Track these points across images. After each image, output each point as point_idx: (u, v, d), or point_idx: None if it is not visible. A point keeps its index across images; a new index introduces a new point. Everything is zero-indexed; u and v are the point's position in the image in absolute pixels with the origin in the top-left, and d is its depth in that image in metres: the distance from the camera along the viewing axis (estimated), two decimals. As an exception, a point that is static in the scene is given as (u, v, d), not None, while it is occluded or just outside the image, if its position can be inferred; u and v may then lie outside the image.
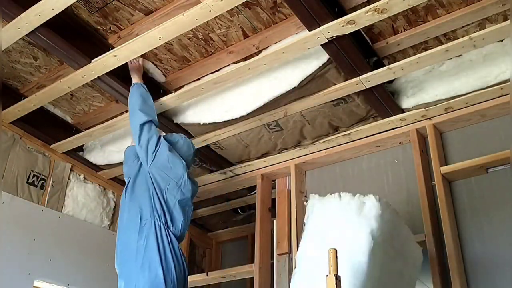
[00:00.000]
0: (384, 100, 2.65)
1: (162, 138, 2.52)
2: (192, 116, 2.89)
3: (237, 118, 2.77)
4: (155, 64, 2.76)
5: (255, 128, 2.97)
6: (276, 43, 2.48)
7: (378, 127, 2.84)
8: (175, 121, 2.95)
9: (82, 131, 3.18)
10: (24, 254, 2.90)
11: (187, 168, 2.51)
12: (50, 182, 3.20)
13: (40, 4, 2.14)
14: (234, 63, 2.64)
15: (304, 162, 3.14)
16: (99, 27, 2.52)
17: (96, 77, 2.58)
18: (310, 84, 2.56)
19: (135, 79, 2.62)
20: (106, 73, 2.56)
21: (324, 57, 2.43)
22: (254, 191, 3.43)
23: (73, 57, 2.48)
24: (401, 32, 2.44)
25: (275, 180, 3.36)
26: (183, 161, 2.49)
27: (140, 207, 2.35)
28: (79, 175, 3.43)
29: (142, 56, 2.60)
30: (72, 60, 2.50)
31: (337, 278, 1.48)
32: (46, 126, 3.14)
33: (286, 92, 2.57)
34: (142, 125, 2.47)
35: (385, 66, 2.45)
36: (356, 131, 2.89)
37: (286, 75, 2.56)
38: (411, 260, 2.04)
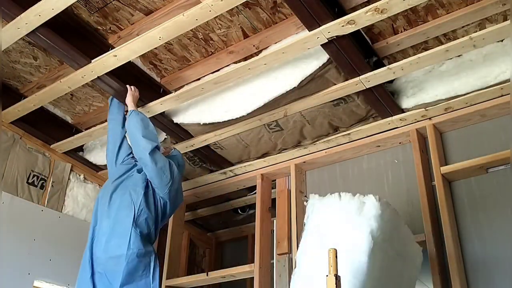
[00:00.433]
0: (384, 100, 2.65)
1: (172, 164, 2.60)
2: (192, 116, 2.89)
3: (237, 118, 2.77)
4: (155, 64, 2.76)
5: (255, 128, 2.97)
6: (276, 43, 2.48)
7: (378, 127, 2.84)
8: (175, 121, 2.95)
9: (82, 131, 3.18)
10: (24, 254, 2.90)
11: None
12: (50, 182, 3.20)
13: (40, 4, 2.14)
14: (234, 63, 2.64)
15: (304, 162, 3.14)
16: (99, 27, 2.52)
17: (96, 77, 2.58)
18: (310, 84, 2.56)
19: (131, 106, 2.63)
20: (106, 73, 2.56)
21: (324, 57, 2.43)
22: (254, 191, 3.43)
23: (73, 57, 2.48)
24: (401, 32, 2.44)
25: (275, 180, 3.36)
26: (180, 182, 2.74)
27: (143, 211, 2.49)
28: (79, 175, 3.43)
29: (142, 56, 2.60)
30: (72, 60, 2.50)
31: (337, 278, 1.48)
32: (46, 126, 3.15)
33: (286, 92, 2.57)
34: (151, 153, 2.49)
35: (385, 66, 2.45)
36: (356, 131, 2.89)
37: (286, 75, 2.56)
38: (411, 260, 2.04)
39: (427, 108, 2.66)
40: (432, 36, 2.42)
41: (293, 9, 2.14)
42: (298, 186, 3.10)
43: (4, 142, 2.98)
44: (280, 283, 2.91)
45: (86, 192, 3.42)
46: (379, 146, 2.93)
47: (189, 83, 2.81)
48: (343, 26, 2.17)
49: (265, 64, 2.43)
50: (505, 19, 2.26)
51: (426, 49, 2.42)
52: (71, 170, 3.37)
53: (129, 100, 2.63)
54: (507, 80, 2.41)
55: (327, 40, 2.25)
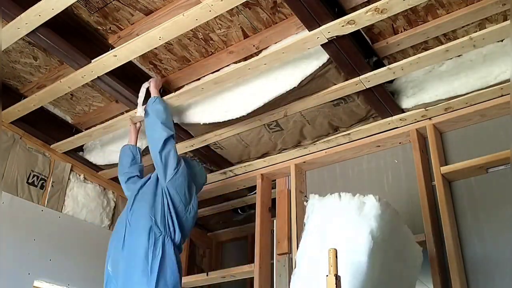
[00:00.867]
0: (384, 100, 2.65)
1: (182, 159, 2.54)
2: (192, 116, 2.89)
3: (237, 118, 2.76)
4: (155, 64, 2.76)
5: (255, 128, 2.97)
6: (276, 43, 2.48)
7: (378, 127, 2.84)
8: (175, 121, 2.94)
9: (82, 131, 3.18)
10: (24, 254, 2.90)
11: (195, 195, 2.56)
12: (50, 182, 3.20)
13: (40, 4, 2.14)
14: (234, 63, 2.64)
15: (304, 162, 3.14)
16: (99, 27, 2.52)
17: (96, 77, 2.58)
18: (310, 84, 2.56)
19: (155, 92, 2.63)
20: (106, 73, 2.56)
21: (324, 57, 2.43)
22: (254, 191, 3.43)
23: (73, 57, 2.48)
24: (401, 32, 2.44)
25: (275, 180, 3.36)
26: (195, 190, 2.55)
27: (152, 215, 2.33)
28: (79, 175, 3.43)
29: (142, 56, 2.60)
30: (72, 60, 2.50)
31: (337, 278, 1.48)
32: (46, 126, 3.14)
33: (286, 92, 2.57)
34: (166, 140, 2.46)
35: (385, 66, 2.45)
36: (356, 131, 2.89)
37: (286, 75, 2.55)
38: (411, 260, 2.04)
39: (427, 108, 2.66)
40: (432, 36, 2.42)
41: (293, 9, 2.14)
42: (298, 186, 3.10)
43: (4, 142, 2.97)
44: (280, 283, 2.92)
45: (86, 192, 3.42)
46: (379, 146, 2.93)
47: (189, 83, 2.81)
48: (343, 26, 2.17)
49: (265, 64, 2.43)
50: (505, 19, 2.26)
51: (426, 49, 2.42)
52: (71, 170, 3.37)
53: (153, 86, 2.64)
54: (507, 80, 2.41)
55: (327, 40, 2.25)
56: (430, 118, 2.71)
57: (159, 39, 2.31)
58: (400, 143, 2.89)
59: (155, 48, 2.49)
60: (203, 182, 2.78)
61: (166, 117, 2.54)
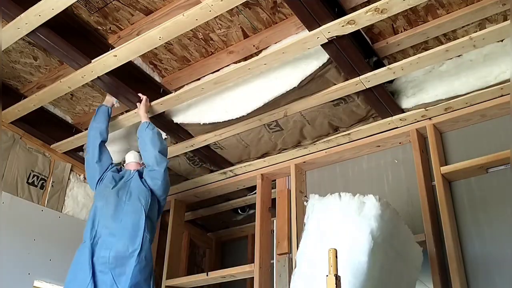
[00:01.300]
0: (384, 100, 2.65)
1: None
2: (192, 116, 2.89)
3: (237, 118, 2.77)
4: (155, 64, 2.76)
5: (255, 128, 2.97)
6: (276, 43, 2.48)
7: (378, 127, 2.84)
8: (175, 121, 2.95)
9: (82, 131, 3.18)
10: (24, 254, 2.90)
11: None
12: (50, 182, 3.20)
13: (40, 4, 2.14)
14: (234, 63, 2.64)
15: (304, 162, 3.14)
16: (99, 27, 2.52)
17: (96, 77, 2.58)
18: (310, 84, 2.56)
19: (145, 117, 2.73)
20: (106, 73, 2.56)
21: (324, 57, 2.43)
22: (254, 191, 3.43)
23: (73, 57, 2.48)
24: (401, 32, 2.44)
25: (275, 180, 3.36)
26: None
27: (149, 216, 2.59)
28: (79, 175, 3.43)
29: (142, 56, 2.60)
30: (72, 60, 2.50)
31: (337, 278, 1.48)
32: (46, 126, 3.15)
33: (286, 92, 2.57)
34: (165, 170, 2.66)
35: (385, 66, 2.45)
36: (356, 131, 2.89)
37: (286, 75, 2.55)
38: (411, 260, 2.04)
39: (427, 108, 2.66)
40: (432, 36, 2.42)
41: (293, 9, 2.14)
42: (298, 186, 3.10)
43: (4, 142, 2.98)
44: (280, 283, 2.92)
45: (86, 192, 3.42)
46: (379, 146, 2.93)
47: (189, 83, 2.81)
48: (343, 26, 2.17)
49: (265, 64, 2.43)
50: (505, 19, 2.26)
51: (426, 49, 2.42)
52: (71, 170, 3.37)
53: (142, 110, 2.72)
54: (507, 80, 2.41)
55: (327, 40, 2.25)
56: (430, 118, 2.71)
57: (159, 39, 2.31)
58: (400, 143, 2.89)
59: (155, 48, 2.49)
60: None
61: (160, 143, 2.69)
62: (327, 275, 1.49)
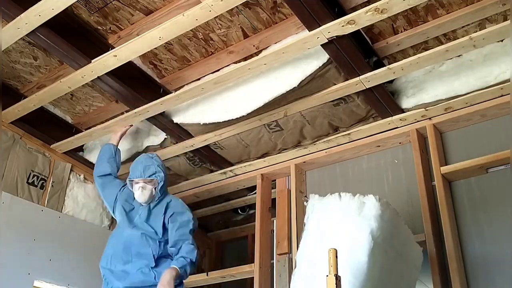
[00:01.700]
0: (384, 100, 2.65)
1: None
2: (192, 116, 2.89)
3: (237, 118, 2.76)
4: (155, 64, 2.76)
5: (255, 128, 2.97)
6: (276, 43, 2.48)
7: (378, 127, 2.84)
8: (175, 121, 2.94)
9: (82, 131, 3.18)
10: (24, 254, 2.90)
11: None
12: (50, 182, 3.20)
13: (40, 4, 2.14)
14: (234, 63, 2.64)
15: (304, 162, 3.14)
16: (99, 27, 2.52)
17: (96, 77, 2.58)
18: (310, 84, 2.56)
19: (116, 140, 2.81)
20: (106, 73, 2.56)
21: (324, 57, 2.43)
22: (254, 191, 3.42)
23: (73, 57, 2.48)
24: (401, 32, 2.44)
25: (275, 180, 3.36)
26: None
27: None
28: (79, 175, 3.43)
29: (142, 56, 2.60)
30: (72, 60, 2.50)
31: (337, 278, 1.48)
32: (46, 126, 3.14)
33: (286, 92, 2.57)
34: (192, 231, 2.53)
35: (385, 66, 2.45)
36: (356, 131, 2.89)
37: (286, 75, 2.55)
38: (411, 260, 2.04)
39: (427, 108, 2.66)
40: (432, 36, 2.42)
41: (293, 9, 2.14)
42: (298, 186, 3.10)
43: (4, 142, 2.97)
44: (280, 283, 2.92)
45: (86, 192, 3.42)
46: (379, 146, 2.93)
47: (189, 83, 2.81)
48: (343, 26, 2.17)
49: (265, 64, 2.43)
50: (505, 19, 2.26)
51: (426, 49, 2.42)
52: (71, 170, 3.37)
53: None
54: (507, 80, 2.41)
55: (327, 40, 2.25)
56: (430, 118, 2.71)
57: (159, 39, 2.31)
58: (400, 143, 2.89)
59: (155, 48, 2.49)
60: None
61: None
62: (327, 275, 1.49)
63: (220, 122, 2.83)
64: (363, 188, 2.78)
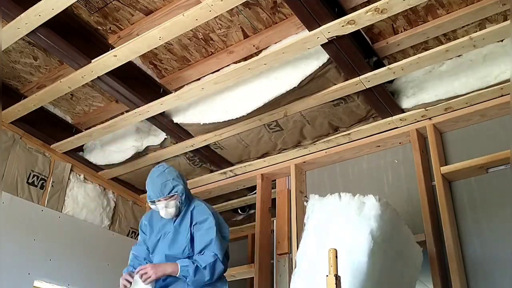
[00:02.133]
0: (384, 100, 2.65)
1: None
2: (192, 116, 2.89)
3: (237, 118, 2.77)
4: (155, 64, 2.76)
5: (255, 128, 2.97)
6: (276, 43, 2.48)
7: (378, 127, 2.84)
8: (175, 121, 2.94)
9: (82, 131, 3.18)
10: (24, 254, 2.90)
11: None
12: (50, 182, 3.20)
13: (40, 4, 2.14)
14: (234, 63, 2.64)
15: (304, 162, 3.14)
16: (99, 27, 2.52)
17: (96, 77, 2.58)
18: (310, 84, 2.56)
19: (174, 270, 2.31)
20: (106, 73, 2.56)
21: (324, 57, 2.43)
22: (254, 191, 3.43)
23: (73, 57, 2.47)
24: (401, 32, 2.44)
25: (275, 180, 3.36)
26: None
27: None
28: (79, 175, 3.43)
29: (142, 56, 2.60)
30: (72, 60, 2.50)
31: (337, 278, 1.48)
32: (46, 126, 3.14)
33: (286, 92, 2.57)
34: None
35: (385, 66, 2.45)
36: (356, 131, 2.89)
37: (286, 75, 2.55)
38: (411, 260, 2.04)
39: (427, 108, 2.66)
40: (432, 36, 2.42)
41: (293, 9, 2.14)
42: (298, 186, 3.10)
43: (4, 142, 2.97)
44: (280, 283, 2.92)
45: (86, 192, 3.41)
46: (379, 146, 2.93)
47: (189, 83, 2.81)
48: (343, 26, 2.17)
49: (265, 64, 2.43)
50: (505, 19, 2.26)
51: (426, 49, 2.42)
52: (71, 170, 3.37)
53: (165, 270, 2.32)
54: (507, 80, 2.41)
55: (327, 40, 2.25)
56: (430, 118, 2.71)
57: (159, 39, 2.31)
58: (400, 143, 2.89)
59: (155, 48, 2.49)
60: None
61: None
62: (327, 275, 1.49)
63: (220, 122, 2.83)
64: (363, 188, 2.78)
